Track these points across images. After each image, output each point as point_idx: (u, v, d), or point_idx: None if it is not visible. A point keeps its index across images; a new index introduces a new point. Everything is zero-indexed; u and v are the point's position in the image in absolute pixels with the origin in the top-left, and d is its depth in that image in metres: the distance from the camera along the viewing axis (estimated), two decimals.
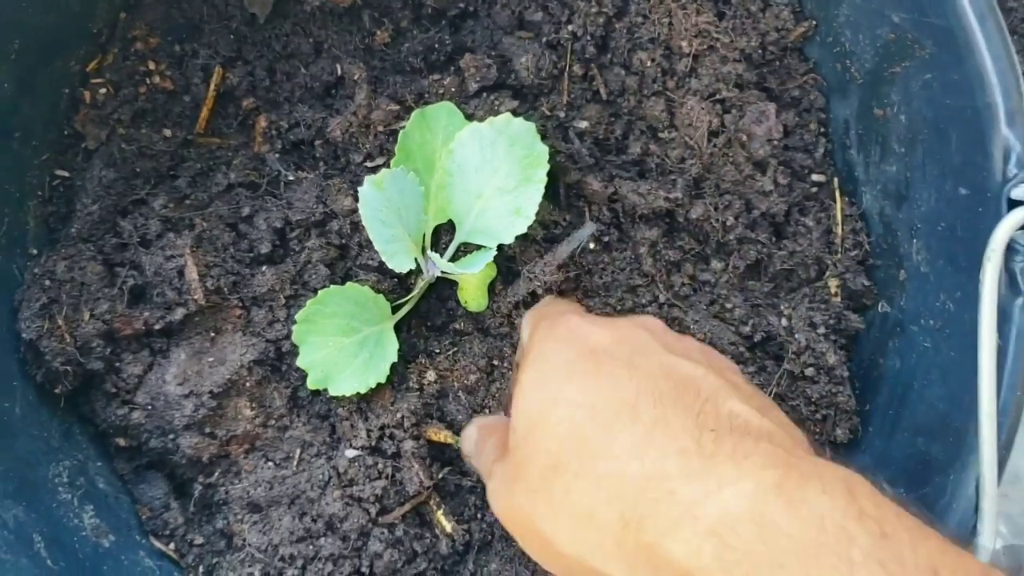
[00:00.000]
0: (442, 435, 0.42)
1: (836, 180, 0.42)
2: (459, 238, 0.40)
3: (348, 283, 0.40)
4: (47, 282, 0.38)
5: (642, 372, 0.31)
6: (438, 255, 0.39)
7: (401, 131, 0.40)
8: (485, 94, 0.42)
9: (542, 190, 0.38)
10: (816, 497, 0.26)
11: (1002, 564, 0.47)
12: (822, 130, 0.43)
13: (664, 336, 0.35)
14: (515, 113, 0.40)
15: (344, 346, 0.40)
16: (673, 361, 0.32)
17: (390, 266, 0.38)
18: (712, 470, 0.28)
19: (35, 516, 0.35)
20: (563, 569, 0.32)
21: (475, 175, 0.39)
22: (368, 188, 0.37)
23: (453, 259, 0.40)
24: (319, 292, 0.39)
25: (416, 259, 0.39)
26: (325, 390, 0.39)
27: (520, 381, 0.33)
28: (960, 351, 0.35)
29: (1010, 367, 0.33)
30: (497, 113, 0.40)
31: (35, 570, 0.34)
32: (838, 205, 0.42)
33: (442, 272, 0.40)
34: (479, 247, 0.40)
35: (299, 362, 0.39)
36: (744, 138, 0.41)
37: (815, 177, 0.43)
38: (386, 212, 0.38)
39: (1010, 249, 0.33)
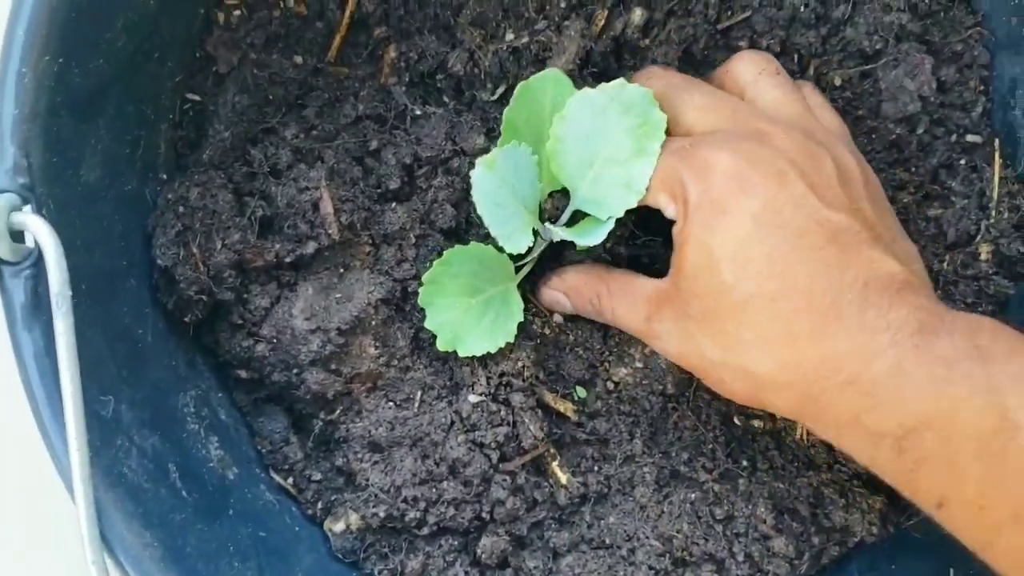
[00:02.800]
0: (560, 403, 0.41)
1: (996, 141, 0.40)
2: (572, 206, 0.38)
3: (472, 243, 0.39)
4: (180, 209, 0.37)
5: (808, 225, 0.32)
6: (555, 226, 0.38)
7: (505, 109, 0.38)
8: (596, 34, 0.40)
9: (654, 163, 0.36)
10: (942, 342, 0.30)
11: None
12: (982, 88, 0.40)
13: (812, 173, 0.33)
14: None
15: (470, 306, 0.39)
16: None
17: (507, 249, 0.37)
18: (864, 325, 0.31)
19: (169, 446, 0.35)
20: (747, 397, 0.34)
21: (586, 143, 0.37)
22: (480, 170, 0.35)
23: (568, 225, 0.39)
24: (444, 252, 0.37)
25: (534, 229, 0.38)
26: (450, 349, 0.38)
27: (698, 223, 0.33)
28: None
29: None
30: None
31: (173, 500, 0.33)
32: (996, 167, 0.40)
33: (559, 239, 0.39)
34: (590, 219, 0.38)
35: (427, 324, 0.38)
36: (891, 91, 0.39)
37: (970, 138, 0.41)
38: (501, 192, 0.36)
39: None
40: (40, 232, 0.29)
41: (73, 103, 0.31)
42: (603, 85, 0.35)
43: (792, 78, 0.38)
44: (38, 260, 0.30)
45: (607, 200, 0.36)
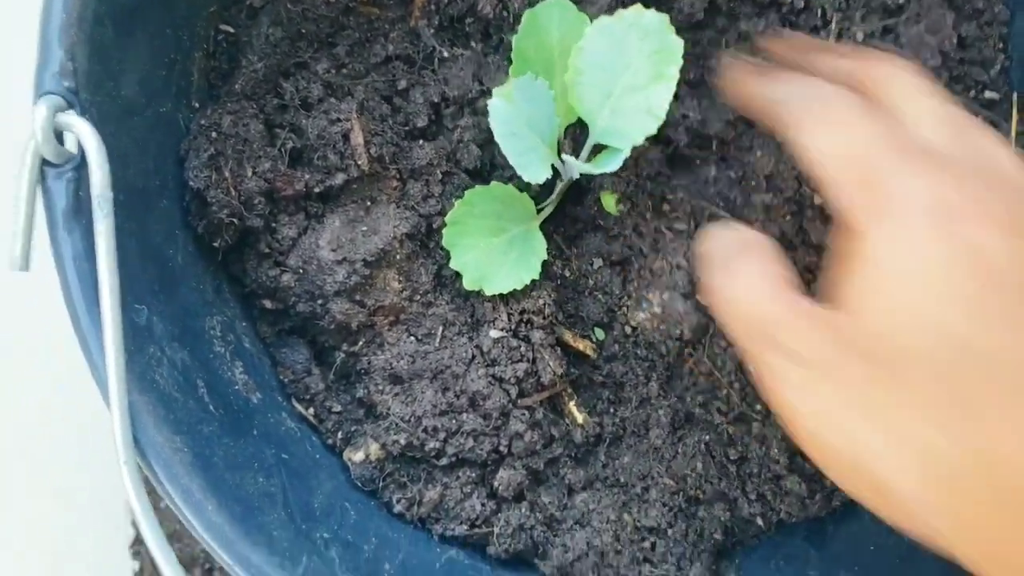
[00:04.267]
0: (579, 343, 0.41)
1: (1015, 96, 0.41)
2: (592, 139, 0.39)
3: (493, 183, 0.39)
4: (213, 134, 0.37)
5: None
6: (574, 158, 0.38)
7: (513, 37, 0.39)
8: None
9: (674, 87, 0.36)
10: None
11: None
12: (1001, 46, 0.41)
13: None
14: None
15: (494, 245, 0.39)
16: None
17: (525, 178, 0.37)
18: None
19: (197, 363, 0.35)
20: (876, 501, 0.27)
21: (604, 73, 0.37)
22: (497, 101, 0.36)
23: (591, 160, 0.39)
24: (466, 192, 0.38)
25: (553, 165, 0.38)
26: (477, 289, 0.39)
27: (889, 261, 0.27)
28: None
29: None
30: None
31: (201, 413, 0.34)
32: (1013, 123, 0.41)
33: (580, 174, 0.39)
34: (611, 148, 0.39)
35: (452, 264, 0.39)
36: (912, 44, 0.40)
37: (988, 94, 0.41)
38: (517, 123, 0.37)
39: None
40: (85, 134, 0.29)
41: (115, 13, 0.32)
42: (620, 12, 0.36)
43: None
44: (80, 164, 0.30)
45: (628, 128, 0.36)
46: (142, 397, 0.31)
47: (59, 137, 0.30)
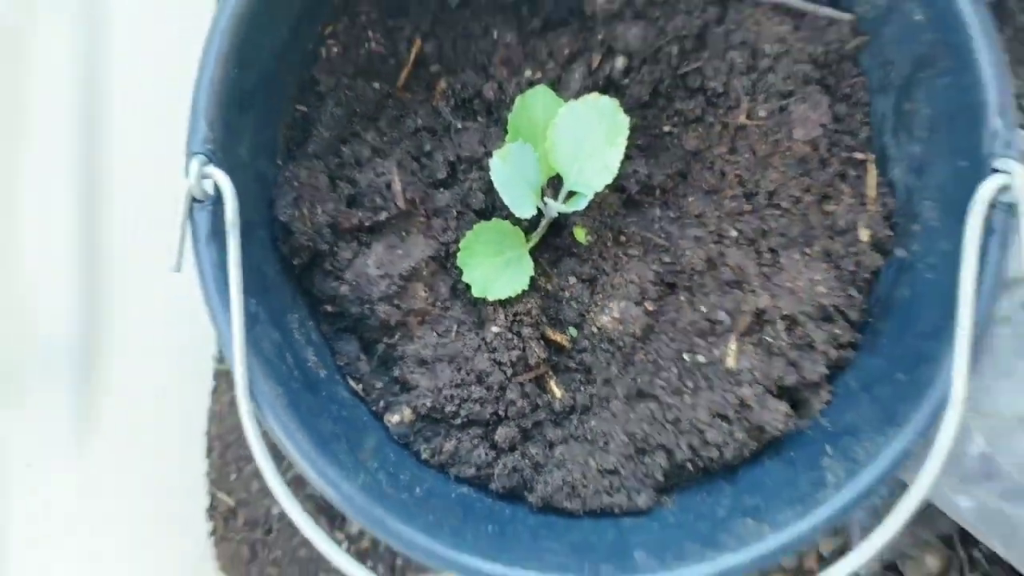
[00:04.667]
0: (557, 336, 0.56)
1: (872, 157, 0.56)
2: (566, 187, 0.54)
3: (494, 219, 0.54)
4: (294, 183, 0.52)
5: None
6: (553, 201, 0.53)
7: (508, 114, 0.54)
8: (591, 73, 0.56)
9: (622, 151, 0.51)
10: None
11: (977, 469, 0.61)
12: (865, 119, 0.56)
13: None
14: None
15: (495, 265, 0.54)
16: None
17: (517, 215, 0.52)
18: None
19: (285, 343, 0.50)
20: None
21: (573, 140, 0.52)
22: (497, 160, 0.51)
23: (565, 202, 0.54)
24: (475, 225, 0.53)
25: (537, 206, 0.53)
26: (483, 296, 0.54)
27: None
28: (950, 278, 0.48)
29: (987, 287, 0.46)
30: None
31: (289, 375, 0.48)
32: (873, 176, 0.56)
33: (558, 213, 0.54)
34: (579, 194, 0.53)
35: (464, 278, 0.53)
36: (800, 121, 0.55)
37: (856, 154, 0.56)
38: (511, 176, 0.52)
39: (992, 205, 0.46)
40: (221, 180, 0.44)
41: (236, 101, 0.47)
42: (584, 98, 0.51)
43: None
44: (216, 200, 0.45)
45: (591, 179, 0.51)
46: (254, 359, 0.45)
47: (203, 183, 0.45)
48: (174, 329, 0.61)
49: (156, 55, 0.53)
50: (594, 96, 0.51)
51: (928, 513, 0.68)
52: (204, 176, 0.44)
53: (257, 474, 0.67)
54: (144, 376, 0.57)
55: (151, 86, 0.53)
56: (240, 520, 0.67)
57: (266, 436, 0.46)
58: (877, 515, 0.69)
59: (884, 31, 0.53)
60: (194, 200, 0.45)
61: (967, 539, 0.70)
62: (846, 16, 0.54)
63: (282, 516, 0.68)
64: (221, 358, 0.68)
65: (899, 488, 0.68)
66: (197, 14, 0.61)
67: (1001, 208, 0.46)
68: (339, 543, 0.68)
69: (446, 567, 0.46)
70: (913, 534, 0.71)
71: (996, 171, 0.46)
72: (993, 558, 0.70)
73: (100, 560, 0.52)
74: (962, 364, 0.46)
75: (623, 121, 0.51)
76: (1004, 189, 0.46)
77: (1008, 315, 0.60)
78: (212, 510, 0.68)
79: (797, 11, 0.55)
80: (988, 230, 0.46)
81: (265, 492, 0.68)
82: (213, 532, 0.67)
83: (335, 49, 0.55)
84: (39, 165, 0.44)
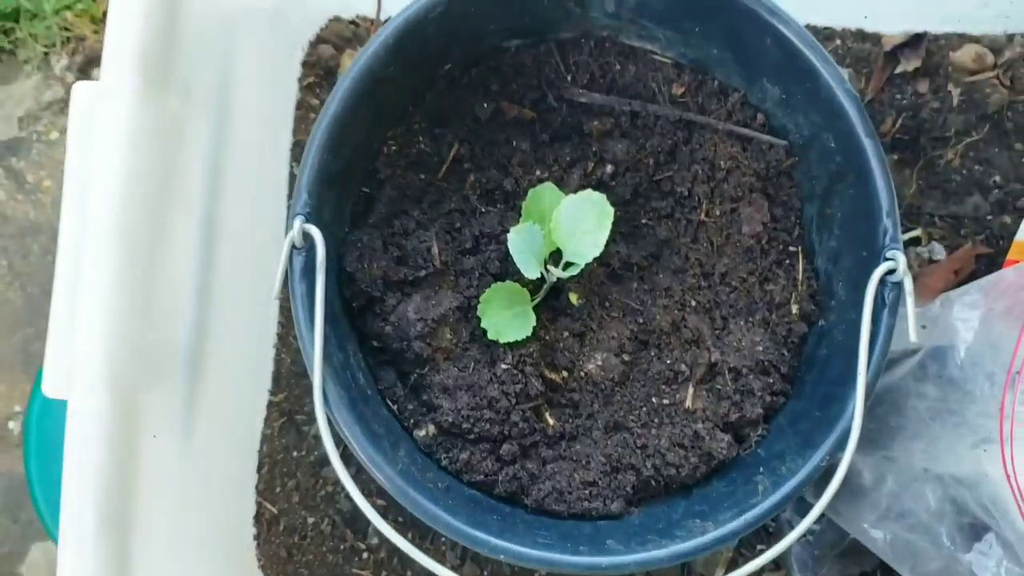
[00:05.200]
0: (553, 375, 0.71)
1: (802, 250, 0.72)
2: (564, 259, 0.69)
3: (507, 281, 0.70)
4: (358, 244, 0.68)
5: None
6: (554, 268, 0.69)
7: (522, 203, 0.71)
8: (587, 175, 0.73)
9: (608, 232, 0.66)
10: None
11: (889, 507, 0.75)
12: (797, 220, 0.73)
13: None
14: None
15: (506, 316, 0.69)
16: None
17: (526, 275, 0.68)
18: None
19: (344, 363, 0.64)
20: None
21: (571, 223, 0.68)
22: (513, 235, 0.67)
23: (563, 270, 0.70)
24: (492, 285, 0.69)
25: (541, 272, 0.69)
26: (496, 339, 0.69)
27: None
28: (855, 339, 0.63)
29: (878, 345, 0.62)
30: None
31: (348, 385, 0.63)
32: (800, 265, 0.72)
33: (557, 279, 0.70)
34: (574, 264, 0.69)
35: (483, 324, 0.67)
36: (746, 219, 0.72)
37: (790, 248, 0.73)
38: (523, 247, 0.68)
39: (881, 283, 0.62)
40: (315, 234, 0.60)
41: (326, 179, 0.63)
42: (581, 192, 0.67)
43: None
44: (310, 248, 0.61)
45: (583, 252, 0.67)
46: (326, 368, 0.60)
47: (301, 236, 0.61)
48: (245, 360, 0.76)
49: (255, 147, 0.70)
50: (588, 191, 0.68)
51: (856, 550, 0.82)
52: (305, 231, 0.60)
53: (297, 488, 0.81)
54: (223, 392, 0.71)
55: (252, 167, 0.70)
56: (281, 526, 0.80)
57: (331, 429, 0.60)
58: (812, 546, 0.82)
59: (809, 154, 0.70)
60: (293, 247, 0.60)
61: (887, 571, 0.83)
62: (781, 142, 0.72)
63: (315, 525, 0.81)
64: (273, 390, 0.83)
65: (833, 531, 0.82)
66: (280, 123, 0.78)
67: (890, 286, 0.62)
68: (361, 552, 0.81)
69: (461, 538, 0.60)
70: (843, 570, 0.85)
71: (887, 258, 0.62)
72: None
73: (167, 543, 0.65)
74: (861, 402, 0.61)
75: (609, 211, 0.67)
76: (892, 272, 0.62)
77: (925, 389, 0.76)
78: (258, 517, 0.81)
79: (745, 137, 0.72)
80: (881, 303, 0.62)
81: (303, 504, 0.81)
82: (257, 536, 0.80)
83: (394, 148, 0.72)
84: (181, 215, 0.59)
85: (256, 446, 0.81)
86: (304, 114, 0.86)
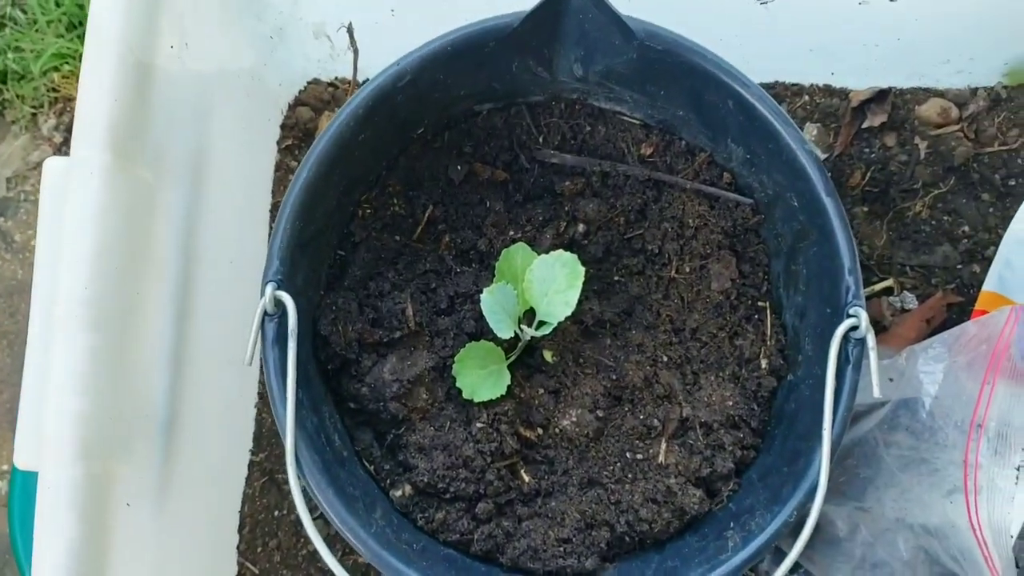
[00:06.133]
0: (528, 433, 0.72)
1: (770, 305, 0.74)
2: (538, 318, 0.70)
3: (482, 340, 0.71)
4: (333, 307, 0.69)
5: None
6: (527, 327, 0.70)
7: (496, 263, 0.72)
8: (559, 235, 0.75)
9: (579, 291, 0.67)
10: None
11: (864, 557, 0.75)
12: (765, 276, 0.74)
13: None
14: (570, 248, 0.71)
15: (481, 375, 0.70)
16: None
17: (500, 336, 0.69)
18: None
19: (319, 426, 0.65)
20: None
21: (542, 283, 0.69)
22: (486, 295, 0.68)
23: (536, 329, 0.71)
24: (466, 344, 0.70)
25: (515, 331, 0.70)
26: (471, 399, 0.70)
27: None
28: (820, 394, 0.64)
29: (843, 400, 0.63)
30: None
31: (322, 449, 0.64)
32: (769, 320, 0.73)
33: (530, 337, 0.71)
34: (546, 323, 0.70)
35: (458, 384, 0.68)
36: (715, 276, 0.73)
37: (759, 303, 0.74)
38: (496, 307, 0.69)
39: (845, 339, 0.64)
40: (287, 301, 0.61)
41: (298, 245, 0.65)
42: (552, 253, 0.68)
43: None
44: (281, 315, 0.62)
45: (555, 312, 0.68)
46: (300, 432, 0.61)
47: (272, 303, 0.62)
48: (224, 422, 0.77)
49: (233, 211, 0.72)
50: (559, 251, 0.69)
51: None
52: (276, 298, 0.61)
53: (279, 548, 0.82)
54: (201, 454, 0.72)
55: (230, 230, 0.71)
56: None
57: (304, 493, 0.61)
58: None
59: (774, 212, 0.72)
60: (266, 314, 0.62)
61: None
62: (747, 200, 0.73)
63: None
64: (255, 450, 0.84)
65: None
66: (258, 185, 0.80)
67: (854, 343, 0.63)
68: None
69: None
70: None
71: (849, 315, 0.64)
72: None
73: None
74: (826, 458, 0.62)
75: (580, 270, 0.69)
76: (855, 328, 0.63)
77: (895, 438, 0.77)
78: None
79: (713, 195, 0.74)
80: (845, 359, 0.63)
81: (284, 563, 0.82)
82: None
83: (368, 211, 0.74)
84: (154, 282, 0.61)
85: (237, 506, 0.81)
86: (283, 176, 0.88)
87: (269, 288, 0.61)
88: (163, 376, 0.64)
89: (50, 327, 0.52)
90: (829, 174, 0.66)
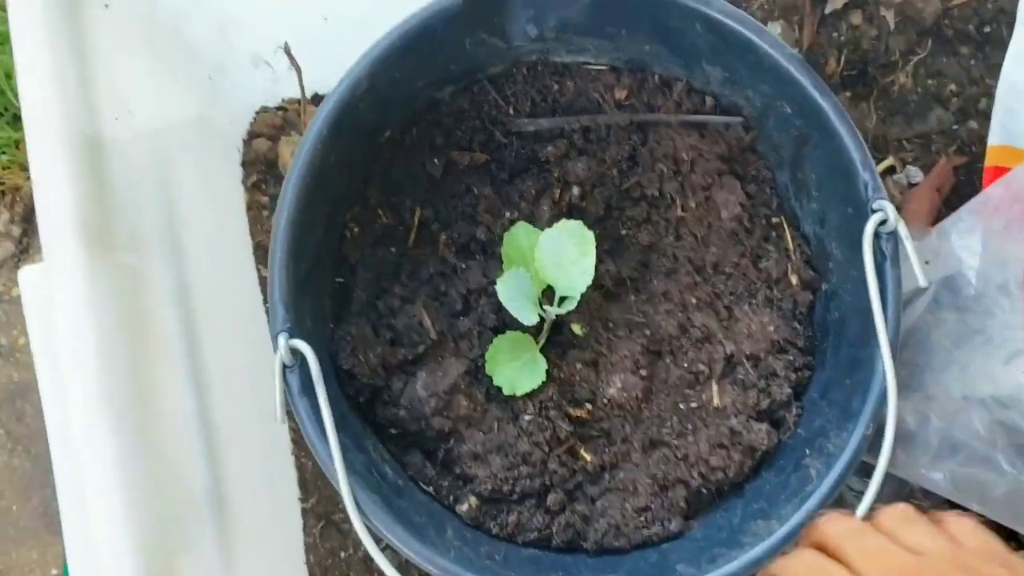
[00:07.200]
0: (578, 412, 0.69)
1: (785, 219, 0.71)
2: (558, 294, 0.68)
3: (507, 332, 0.68)
4: (347, 338, 0.66)
5: None
6: (550, 306, 0.68)
7: (500, 249, 0.69)
8: (556, 204, 0.72)
9: (593, 259, 0.64)
10: None
11: (940, 446, 0.74)
12: (772, 191, 0.72)
13: None
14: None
15: (516, 367, 0.67)
16: None
17: (524, 322, 0.66)
18: None
19: (369, 463, 0.63)
20: None
21: (554, 257, 0.67)
22: (501, 285, 0.65)
23: (559, 306, 0.68)
24: (492, 340, 0.67)
25: (539, 314, 0.67)
26: (512, 393, 0.67)
27: None
28: (864, 296, 0.62)
29: (890, 297, 0.61)
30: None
31: (378, 485, 0.61)
32: (788, 234, 0.71)
33: (555, 315, 0.68)
34: (569, 297, 0.67)
35: (495, 381, 0.66)
36: (723, 204, 0.71)
37: (773, 219, 0.71)
38: (514, 294, 0.66)
39: (875, 236, 0.61)
40: (305, 349, 0.58)
41: (297, 287, 0.62)
42: (556, 224, 0.66)
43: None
44: (302, 363, 0.59)
45: (575, 285, 0.65)
46: (353, 478, 0.59)
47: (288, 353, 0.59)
48: (265, 477, 0.74)
49: (217, 265, 0.68)
50: (563, 222, 0.66)
51: (917, 493, 0.81)
52: (292, 347, 0.58)
53: None
54: (252, 517, 0.70)
55: (219, 284, 0.68)
56: None
57: (373, 534, 0.58)
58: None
59: (768, 123, 0.69)
60: (285, 367, 0.59)
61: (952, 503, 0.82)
62: (736, 119, 0.70)
63: None
64: (303, 497, 0.81)
65: (892, 481, 0.81)
66: (235, 230, 0.77)
67: (885, 237, 0.61)
68: None
69: None
70: None
71: (875, 210, 0.61)
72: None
73: None
74: (888, 358, 0.60)
75: (589, 236, 0.66)
76: (883, 223, 0.61)
77: (942, 317, 0.74)
78: None
79: (700, 124, 0.71)
80: (881, 256, 0.61)
81: None
82: None
83: (356, 229, 0.70)
84: (164, 364, 0.58)
85: (302, 557, 0.79)
86: (257, 214, 0.84)
87: (282, 339, 0.58)
88: (196, 453, 0.61)
89: (71, 437, 0.49)
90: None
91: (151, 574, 0.51)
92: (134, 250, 0.56)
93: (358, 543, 0.80)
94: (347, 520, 0.79)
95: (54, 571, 1.24)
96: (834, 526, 0.48)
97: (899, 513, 0.48)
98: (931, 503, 0.83)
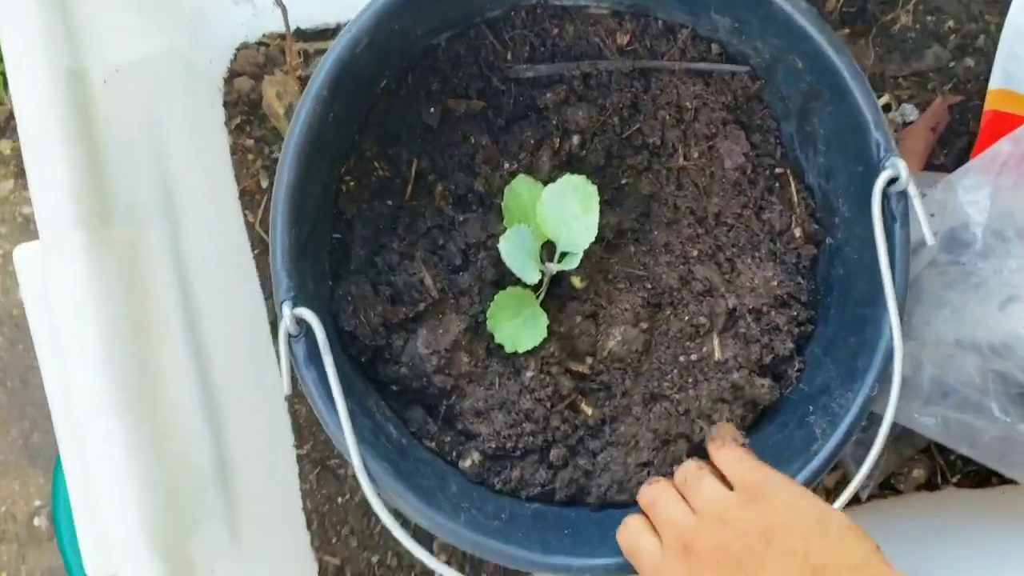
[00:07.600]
0: (579, 367, 0.69)
1: (789, 170, 0.70)
2: (559, 250, 0.66)
3: (508, 288, 0.67)
4: (348, 297, 0.65)
5: None
6: (551, 263, 0.66)
7: (501, 202, 0.67)
8: (555, 153, 0.70)
9: (597, 213, 0.63)
10: None
11: (932, 391, 0.75)
12: (777, 141, 0.70)
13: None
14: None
15: (517, 323, 0.67)
16: None
17: (525, 281, 0.65)
18: None
19: (374, 426, 0.62)
20: None
21: (557, 212, 0.65)
22: (503, 243, 0.63)
23: (561, 262, 0.67)
24: (495, 296, 0.66)
25: (540, 269, 0.66)
26: (515, 350, 0.67)
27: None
28: (871, 255, 0.62)
29: (898, 257, 0.60)
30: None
31: (386, 449, 0.61)
32: (792, 185, 0.70)
33: (557, 271, 0.67)
34: (571, 253, 0.66)
35: (497, 338, 0.65)
36: (726, 153, 0.69)
37: (777, 170, 0.70)
38: (517, 252, 0.64)
39: (884, 195, 0.61)
40: (309, 316, 0.57)
41: (299, 249, 0.60)
42: (560, 179, 0.64)
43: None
44: (307, 331, 0.58)
45: (578, 241, 0.64)
46: (361, 445, 0.58)
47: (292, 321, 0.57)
48: (263, 430, 0.74)
49: (212, 229, 0.66)
50: (566, 177, 0.65)
51: (907, 434, 0.82)
52: (296, 316, 0.57)
53: (353, 533, 0.80)
54: (252, 478, 0.69)
55: (216, 265, 0.66)
56: (348, 575, 0.79)
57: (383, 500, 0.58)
58: (863, 445, 0.83)
59: (776, 74, 0.67)
60: (290, 336, 0.57)
61: (943, 449, 0.84)
62: (743, 68, 0.69)
63: (381, 563, 0.81)
64: (298, 443, 0.81)
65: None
66: (220, 176, 0.74)
67: (895, 196, 0.60)
68: (432, 572, 0.81)
69: (543, 570, 0.60)
70: (899, 453, 0.85)
71: (886, 168, 0.60)
72: (966, 460, 0.84)
73: None
74: (896, 321, 0.60)
75: (592, 191, 0.64)
76: (893, 181, 0.60)
77: (932, 259, 0.74)
78: (322, 573, 0.80)
79: (705, 71, 0.69)
80: (890, 215, 0.61)
81: (362, 546, 0.80)
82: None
83: (351, 183, 0.68)
84: (166, 339, 0.56)
85: (299, 504, 0.79)
86: (242, 157, 0.81)
87: (286, 308, 0.57)
88: (202, 431, 0.60)
89: (78, 430, 0.48)
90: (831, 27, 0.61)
91: (168, 558, 0.50)
92: (131, 221, 0.54)
93: (355, 488, 0.81)
94: (343, 465, 0.80)
95: (37, 502, 1.23)
96: (645, 493, 0.61)
97: (690, 471, 0.60)
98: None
